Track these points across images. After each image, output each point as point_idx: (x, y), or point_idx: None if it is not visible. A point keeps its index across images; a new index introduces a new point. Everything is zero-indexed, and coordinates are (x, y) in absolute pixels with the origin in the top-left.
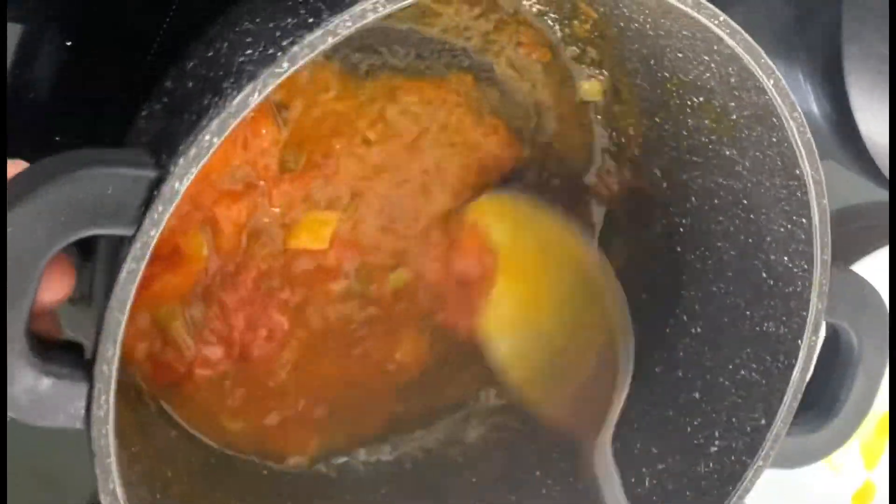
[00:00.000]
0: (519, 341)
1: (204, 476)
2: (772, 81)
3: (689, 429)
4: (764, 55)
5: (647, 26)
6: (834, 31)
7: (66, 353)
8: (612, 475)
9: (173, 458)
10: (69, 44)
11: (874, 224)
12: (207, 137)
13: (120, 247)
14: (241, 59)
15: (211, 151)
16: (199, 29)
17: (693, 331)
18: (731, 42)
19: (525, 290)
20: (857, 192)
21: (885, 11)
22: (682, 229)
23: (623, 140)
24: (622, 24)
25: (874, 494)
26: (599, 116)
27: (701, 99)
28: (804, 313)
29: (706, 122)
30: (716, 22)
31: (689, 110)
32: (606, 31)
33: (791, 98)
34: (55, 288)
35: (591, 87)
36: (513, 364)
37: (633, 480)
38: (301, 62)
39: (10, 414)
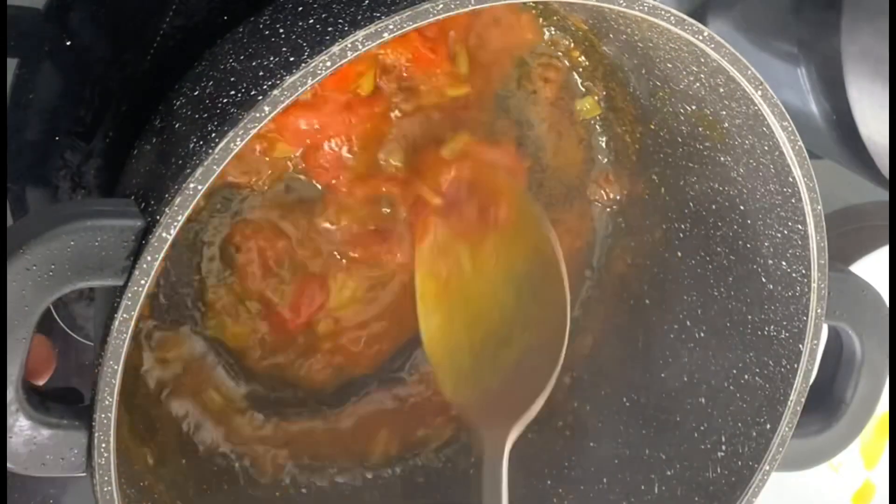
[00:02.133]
0: (455, 314)
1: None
2: (759, 93)
3: (696, 434)
4: (750, 67)
5: (636, 38)
6: (834, 31)
7: (62, 402)
8: (501, 482)
9: (185, 486)
10: (69, 43)
11: (874, 224)
12: (192, 185)
13: (112, 295)
14: (226, 100)
15: (196, 198)
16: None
17: (697, 336)
18: (716, 56)
19: (478, 261)
20: (857, 192)
21: (885, 11)
22: (681, 234)
23: (620, 147)
24: (611, 36)
25: (874, 494)
26: (596, 125)
27: (693, 107)
28: (804, 317)
29: (700, 129)
30: (700, 38)
31: (682, 118)
32: (597, 42)
33: (780, 108)
34: (36, 370)
35: (588, 104)
36: (440, 339)
37: (642, 487)
38: (282, 106)
39: (9, 466)
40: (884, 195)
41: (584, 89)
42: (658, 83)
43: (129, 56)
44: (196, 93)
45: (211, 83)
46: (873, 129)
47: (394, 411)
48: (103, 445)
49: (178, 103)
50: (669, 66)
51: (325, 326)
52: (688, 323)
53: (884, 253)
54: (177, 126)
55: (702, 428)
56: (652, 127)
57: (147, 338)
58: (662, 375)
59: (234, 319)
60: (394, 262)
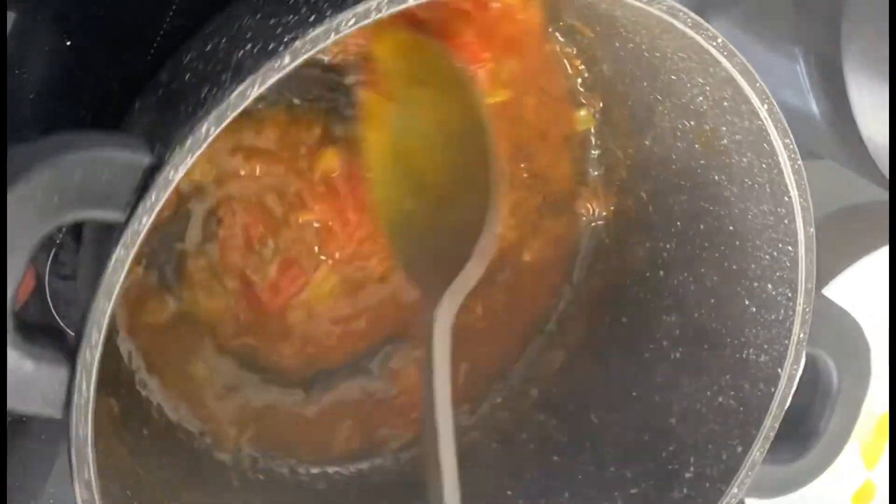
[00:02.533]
0: (394, 176)
1: (175, 479)
2: (766, 106)
3: (664, 454)
4: (759, 79)
5: (643, 47)
6: (834, 31)
7: (48, 338)
8: (444, 355)
9: (145, 457)
10: (69, 43)
11: (874, 224)
12: (204, 128)
13: (109, 233)
14: (241, 53)
15: (207, 142)
16: (199, 27)
17: (672, 356)
18: (727, 64)
19: (410, 124)
20: (857, 192)
21: (885, 11)
22: (665, 254)
23: (611, 162)
24: (617, 45)
25: (874, 494)
26: (590, 138)
27: (692, 122)
28: (786, 341)
29: (696, 146)
30: (714, 44)
31: (679, 133)
32: (600, 52)
33: (784, 124)
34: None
35: (583, 115)
36: (384, 200)
37: None
38: (302, 57)
39: None
40: (884, 195)
41: (582, 100)
42: (659, 97)
43: (129, 56)
44: (208, 48)
45: (224, 39)
46: (873, 129)
47: (358, 404)
48: (84, 385)
49: (187, 58)
50: (674, 77)
51: (296, 316)
52: (664, 343)
53: (884, 253)
54: (187, 77)
55: (670, 448)
56: (647, 143)
57: (123, 303)
58: (633, 394)
59: (208, 293)
60: (380, 267)
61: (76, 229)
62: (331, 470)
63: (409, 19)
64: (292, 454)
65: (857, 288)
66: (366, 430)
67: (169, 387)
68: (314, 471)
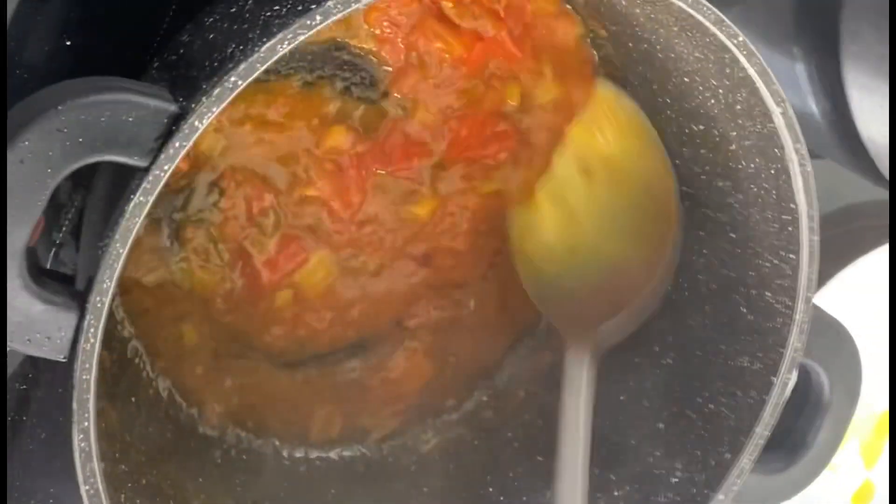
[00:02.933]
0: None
1: (159, 450)
2: (780, 109)
3: (650, 459)
4: (776, 81)
5: (657, 48)
6: (834, 31)
7: (59, 282)
8: (580, 391)
9: (131, 425)
10: (69, 43)
11: (874, 224)
12: (233, 79)
13: (129, 179)
14: (269, 13)
15: (234, 94)
16: None
17: (663, 362)
18: (746, 64)
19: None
20: (857, 192)
21: (885, 11)
22: None
23: None
24: (630, 45)
25: (873, 494)
26: None
27: (701, 127)
28: (781, 349)
29: (702, 151)
30: (735, 42)
31: (685, 139)
32: (611, 53)
33: (796, 129)
34: None
35: None
36: (528, 236)
37: None
38: (334, 17)
39: None
40: (884, 195)
41: None
42: (668, 100)
43: (130, 56)
44: (233, 10)
45: (250, 1)
46: (873, 129)
47: (343, 390)
48: (91, 331)
49: (210, 20)
50: (686, 80)
51: (288, 297)
52: (656, 349)
53: (884, 253)
54: (210, 37)
55: (657, 453)
56: None
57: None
58: (622, 398)
59: (204, 264)
60: (375, 260)
61: (76, 229)
62: (313, 455)
63: (440, 16)
64: (272, 433)
65: (851, 289)
66: (347, 416)
67: (159, 357)
68: (297, 454)
